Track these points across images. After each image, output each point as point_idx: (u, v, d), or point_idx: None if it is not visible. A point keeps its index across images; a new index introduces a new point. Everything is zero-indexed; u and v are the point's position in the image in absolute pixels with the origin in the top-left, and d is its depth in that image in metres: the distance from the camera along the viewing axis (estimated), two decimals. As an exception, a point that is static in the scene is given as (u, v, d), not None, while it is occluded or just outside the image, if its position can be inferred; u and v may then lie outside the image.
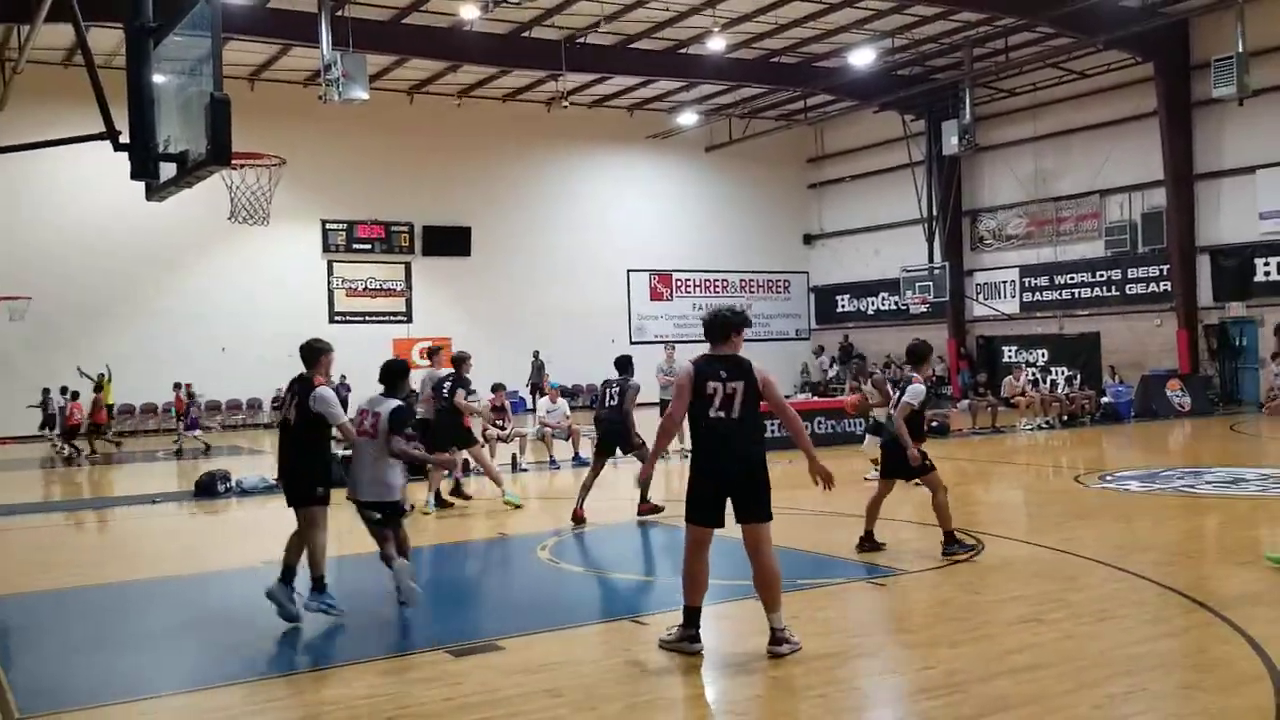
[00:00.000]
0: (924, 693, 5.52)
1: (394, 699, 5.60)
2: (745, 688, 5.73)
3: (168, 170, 7.35)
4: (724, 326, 6.46)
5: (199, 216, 26.09)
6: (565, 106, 29.48)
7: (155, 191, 7.56)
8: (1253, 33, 22.78)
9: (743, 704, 5.46)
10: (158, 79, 7.15)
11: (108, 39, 21.89)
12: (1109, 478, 13.97)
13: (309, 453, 7.52)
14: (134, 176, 7.03)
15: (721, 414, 6.19)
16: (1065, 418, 22.80)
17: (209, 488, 14.56)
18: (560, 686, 5.72)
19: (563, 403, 17.98)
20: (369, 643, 6.96)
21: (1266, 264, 25.94)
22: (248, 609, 8.07)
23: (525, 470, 16.60)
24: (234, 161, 6.88)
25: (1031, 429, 21.80)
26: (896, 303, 33.59)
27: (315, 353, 7.83)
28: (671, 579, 8.63)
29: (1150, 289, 28.36)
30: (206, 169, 6.92)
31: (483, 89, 31.13)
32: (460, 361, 13.05)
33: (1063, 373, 28.17)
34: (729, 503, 6.29)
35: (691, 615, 6.27)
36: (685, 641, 6.25)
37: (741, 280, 36.90)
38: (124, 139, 7.02)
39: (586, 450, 17.42)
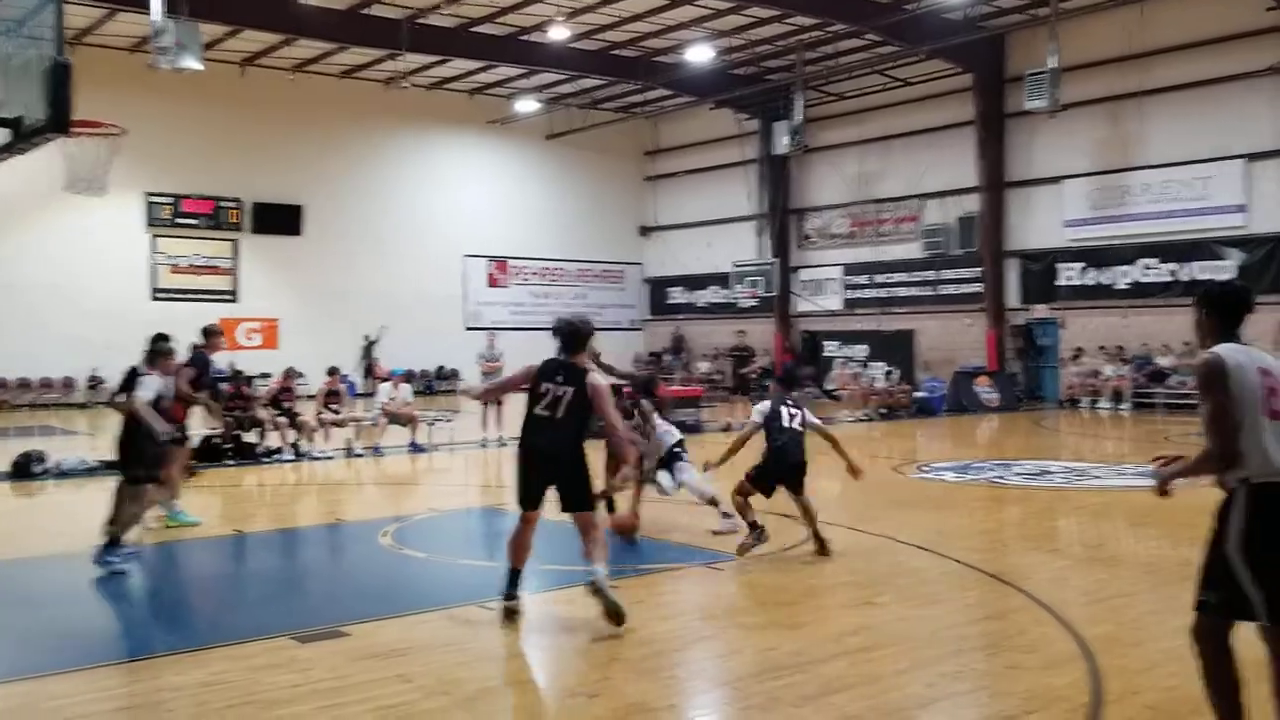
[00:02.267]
0: (767, 673, 5.78)
1: (240, 685, 5.51)
2: (595, 669, 5.88)
3: (1, 136, 7.02)
4: (583, 340, 7.11)
5: (12, 184, 24.56)
6: (405, 87, 28.98)
7: (-14, 157, 7.18)
8: (1065, 50, 24.26)
9: (593, 685, 5.60)
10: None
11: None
12: (926, 468, 14.75)
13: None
14: (-37, 141, 6.68)
15: (546, 413, 6.83)
16: (883, 411, 23.87)
17: (24, 468, 13.79)
18: (410, 672, 5.74)
19: (405, 388, 17.76)
20: (207, 629, 6.81)
21: (1069, 269, 27.71)
22: (77, 594, 7.78)
23: (360, 455, 16.32)
24: (72, 130, 6.59)
25: (852, 420, 22.74)
26: (726, 296, 34.39)
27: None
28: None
29: (963, 290, 29.87)
30: (44, 136, 6.63)
31: (319, 64, 30.24)
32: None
33: (881, 368, 29.42)
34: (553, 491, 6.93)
35: (513, 577, 6.88)
36: (505, 599, 6.84)
37: (578, 269, 37.06)
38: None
39: (424, 436, 17.29)
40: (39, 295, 27.11)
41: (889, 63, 29.10)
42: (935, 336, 30.02)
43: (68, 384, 28.30)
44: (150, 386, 8.57)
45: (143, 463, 8.45)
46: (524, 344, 32.10)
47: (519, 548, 6.94)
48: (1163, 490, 4.57)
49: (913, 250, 30.89)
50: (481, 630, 6.79)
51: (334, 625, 6.60)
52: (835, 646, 6.30)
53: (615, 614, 6.49)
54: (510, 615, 6.76)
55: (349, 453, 16.33)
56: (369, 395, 26.90)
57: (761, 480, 8.71)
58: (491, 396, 8.15)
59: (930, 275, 30.57)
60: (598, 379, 6.94)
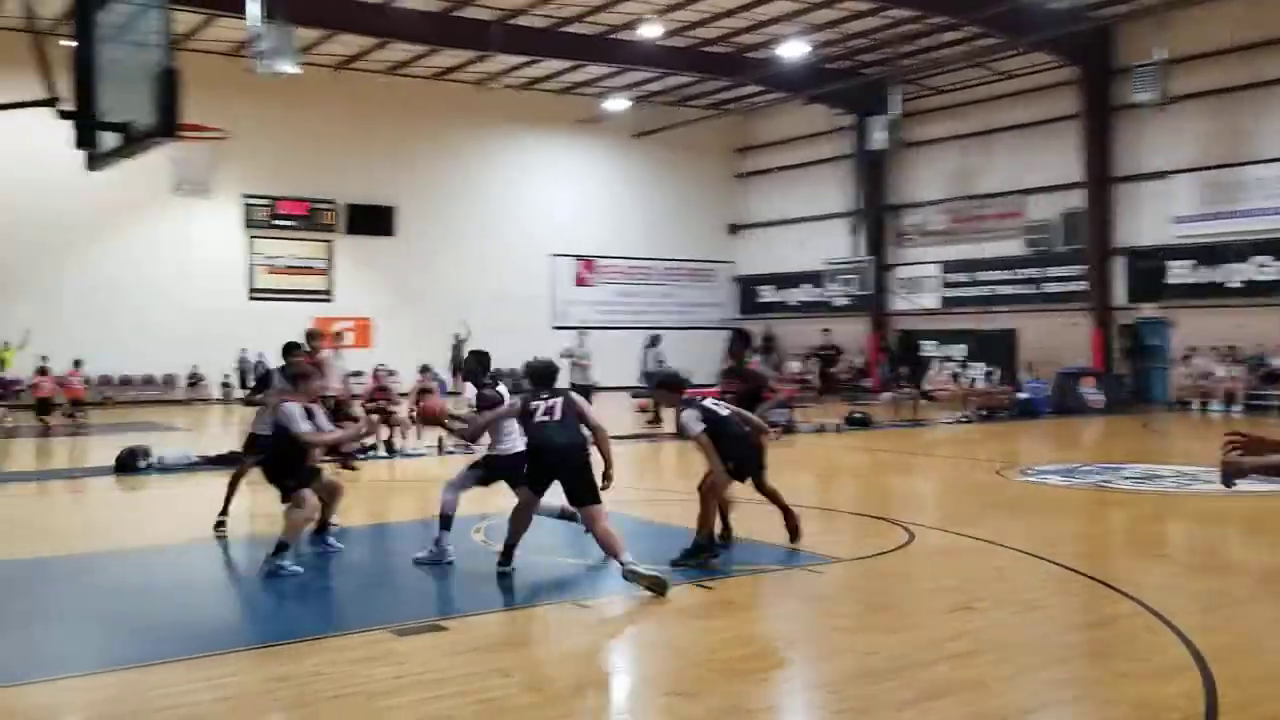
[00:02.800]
0: (865, 677, 5.65)
1: (341, 677, 5.56)
2: (691, 669, 5.81)
3: (110, 140, 7.19)
4: (553, 377, 8.23)
5: (119, 188, 25.42)
6: (494, 87, 29.26)
7: (96, 161, 7.36)
8: (1174, 41, 23.49)
9: (689, 685, 5.53)
10: (101, 46, 6.97)
11: (36, 1, 21.09)
12: (1029, 471, 14.36)
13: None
14: (78, 145, 6.84)
15: (547, 418, 7.77)
16: (983, 412, 23.37)
17: (129, 463, 14.23)
18: (507, 667, 5.74)
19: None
20: (310, 621, 6.91)
21: (1179, 267, 26.80)
22: (181, 585, 7.97)
23: (452, 452, 16.48)
24: (179, 134, 6.72)
25: (951, 422, 22.30)
26: (819, 295, 34.02)
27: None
28: (608, 563, 8.72)
29: (1067, 288, 29.10)
30: (152, 140, 6.77)
31: (411, 67, 30.74)
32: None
33: (981, 368, 28.83)
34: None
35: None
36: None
37: (666, 268, 37.05)
38: (65, 106, 6.85)
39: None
40: (143, 295, 28.07)
41: (989, 55, 28.47)
42: (1038, 336, 29.29)
43: (168, 381, 29.24)
44: (296, 418, 8.26)
45: (291, 474, 8.38)
46: (610, 343, 32.50)
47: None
48: (1235, 476, 3.90)
49: (1014, 247, 30.18)
50: (576, 627, 6.78)
51: (431, 619, 6.65)
52: (935, 651, 6.13)
53: (659, 587, 7.02)
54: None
55: (441, 449, 16.51)
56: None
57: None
58: (480, 434, 8.10)
59: (1033, 273, 29.83)
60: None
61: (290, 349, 10.12)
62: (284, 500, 8.31)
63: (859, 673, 5.72)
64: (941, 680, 5.63)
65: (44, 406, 21.56)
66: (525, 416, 7.89)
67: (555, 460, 7.75)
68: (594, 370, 18.87)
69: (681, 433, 8.38)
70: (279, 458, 8.50)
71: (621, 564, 7.31)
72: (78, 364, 23.96)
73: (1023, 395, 24.78)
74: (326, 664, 5.78)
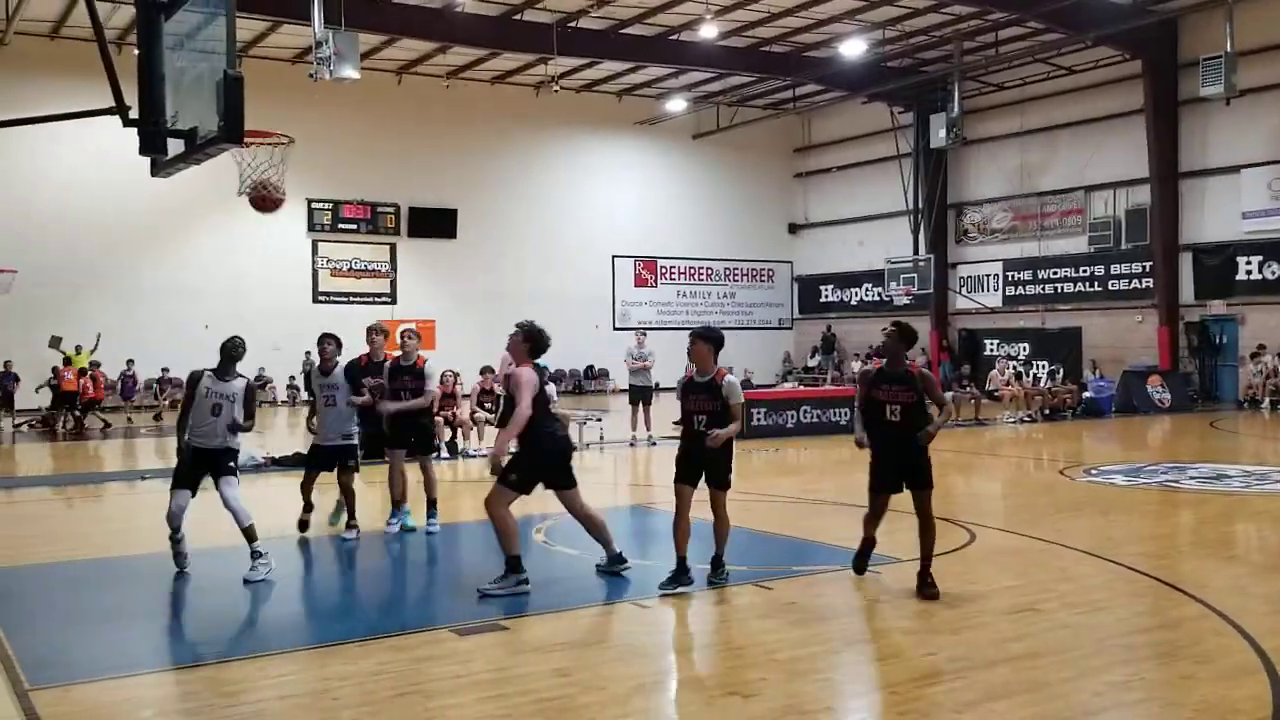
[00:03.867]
0: (926, 679, 5.61)
1: (404, 675, 5.65)
2: (750, 669, 5.80)
3: (175, 146, 7.34)
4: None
5: (184, 194, 26.01)
6: (555, 91, 29.42)
7: (162, 167, 7.52)
8: (1241, 33, 22.97)
9: (749, 685, 5.53)
10: (167, 55, 7.12)
11: (103, 11, 21.63)
12: (1094, 471, 14.13)
13: None
14: (142, 151, 7.00)
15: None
16: (1047, 411, 23.02)
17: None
18: (567, 667, 5.78)
19: (551, 388, 17.96)
20: (373, 620, 7.01)
21: (1248, 263, 26.22)
22: (249, 585, 8.11)
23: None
24: (244, 140, 6.86)
25: (1014, 422, 22.00)
26: (880, 294, 33.75)
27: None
28: (667, 564, 8.73)
29: (1132, 285, 28.61)
30: (218, 146, 6.90)
31: (472, 71, 31.03)
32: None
33: (1044, 366, 28.40)
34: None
35: (514, 562, 7.50)
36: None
37: (725, 268, 36.99)
38: (132, 114, 7.02)
39: (574, 435, 17.51)
40: (211, 298, 28.63)
41: (1052, 50, 28.05)
42: (1102, 334, 28.84)
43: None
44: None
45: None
46: (672, 343, 32.47)
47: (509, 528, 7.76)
48: None
49: (1078, 244, 29.76)
50: (636, 628, 6.82)
51: (492, 619, 6.72)
52: (996, 653, 6.08)
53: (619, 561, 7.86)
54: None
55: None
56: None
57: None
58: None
59: (1097, 270, 29.38)
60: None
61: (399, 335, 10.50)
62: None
63: (919, 674, 5.68)
64: (1003, 682, 5.58)
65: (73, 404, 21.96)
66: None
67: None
68: (654, 372, 18.84)
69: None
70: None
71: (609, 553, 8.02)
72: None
73: (1087, 394, 24.37)
74: (388, 663, 5.87)
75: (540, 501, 12.27)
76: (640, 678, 5.84)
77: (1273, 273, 25.76)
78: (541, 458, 7.79)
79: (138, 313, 27.64)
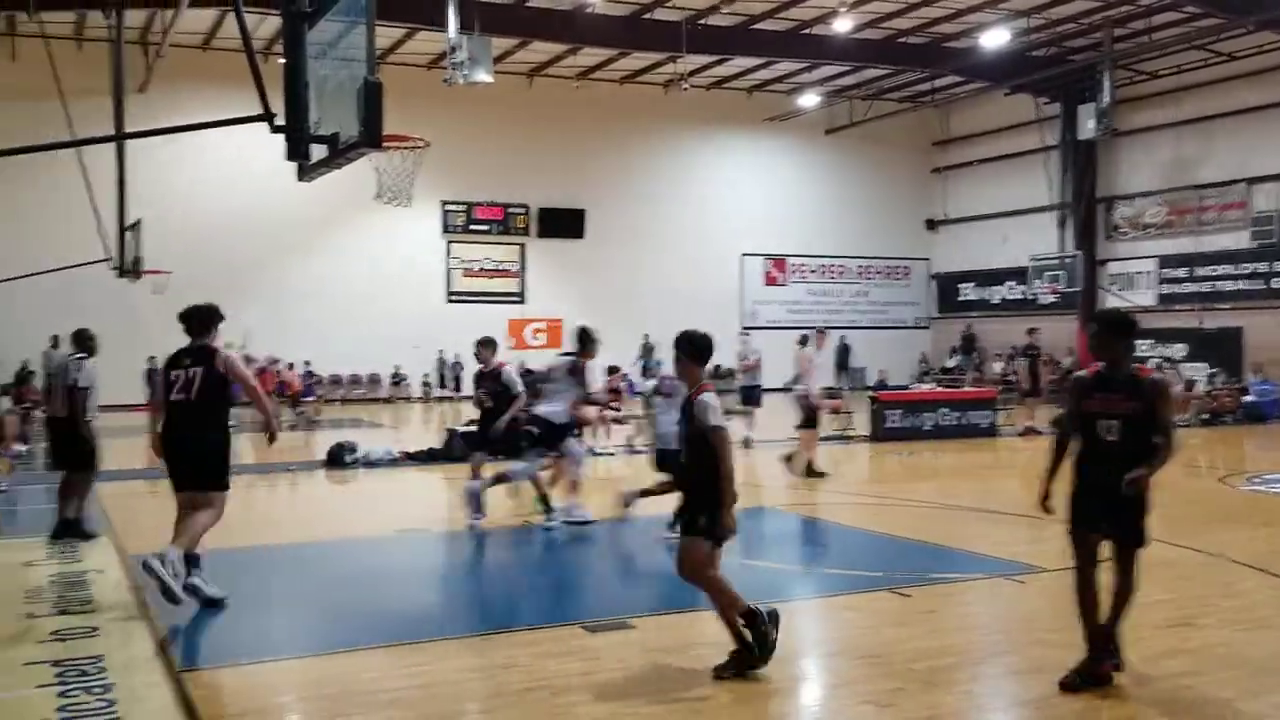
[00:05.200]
0: (1073, 694, 5.33)
1: (532, 670, 5.66)
2: (886, 679, 5.62)
3: (318, 152, 7.53)
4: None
5: (325, 198, 26.81)
6: (685, 89, 29.33)
7: (306, 173, 7.73)
8: None
9: (885, 695, 5.35)
10: (311, 63, 7.31)
11: (251, 23, 22.50)
12: (1256, 480, 13.37)
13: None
14: (289, 157, 7.19)
15: None
16: (1205, 416, 21.90)
17: (337, 458, 14.96)
18: (695, 668, 5.70)
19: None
20: (501, 614, 7.06)
21: None
22: (386, 575, 8.28)
23: (641, 452, 16.61)
24: (383, 144, 6.99)
25: (1182, 425, 20.98)
26: (1024, 292, 32.66)
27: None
28: (795, 567, 8.58)
29: (1299, 283, 27.04)
30: (358, 151, 7.05)
31: (601, 71, 31.21)
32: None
33: (1201, 369, 27.05)
34: None
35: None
36: None
37: (859, 266, 36.34)
38: (278, 121, 7.23)
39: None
40: (350, 298, 29.53)
41: (1210, 36, 26.64)
42: (1266, 335, 27.23)
43: (373, 380, 30.66)
44: None
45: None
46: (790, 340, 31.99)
47: None
48: None
49: (1239, 240, 28.23)
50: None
51: (621, 617, 6.68)
52: (1150, 669, 5.75)
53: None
54: None
55: (630, 449, 16.66)
56: (643, 394, 27.47)
57: None
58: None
59: (1260, 267, 27.81)
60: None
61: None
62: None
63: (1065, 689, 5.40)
64: (1157, 700, 5.29)
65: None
66: None
67: None
68: (761, 372, 18.69)
69: None
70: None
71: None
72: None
73: (1249, 398, 23.10)
74: (517, 657, 5.89)
75: (667, 501, 12.23)
76: (773, 683, 5.71)
77: None
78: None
79: (280, 313, 28.65)
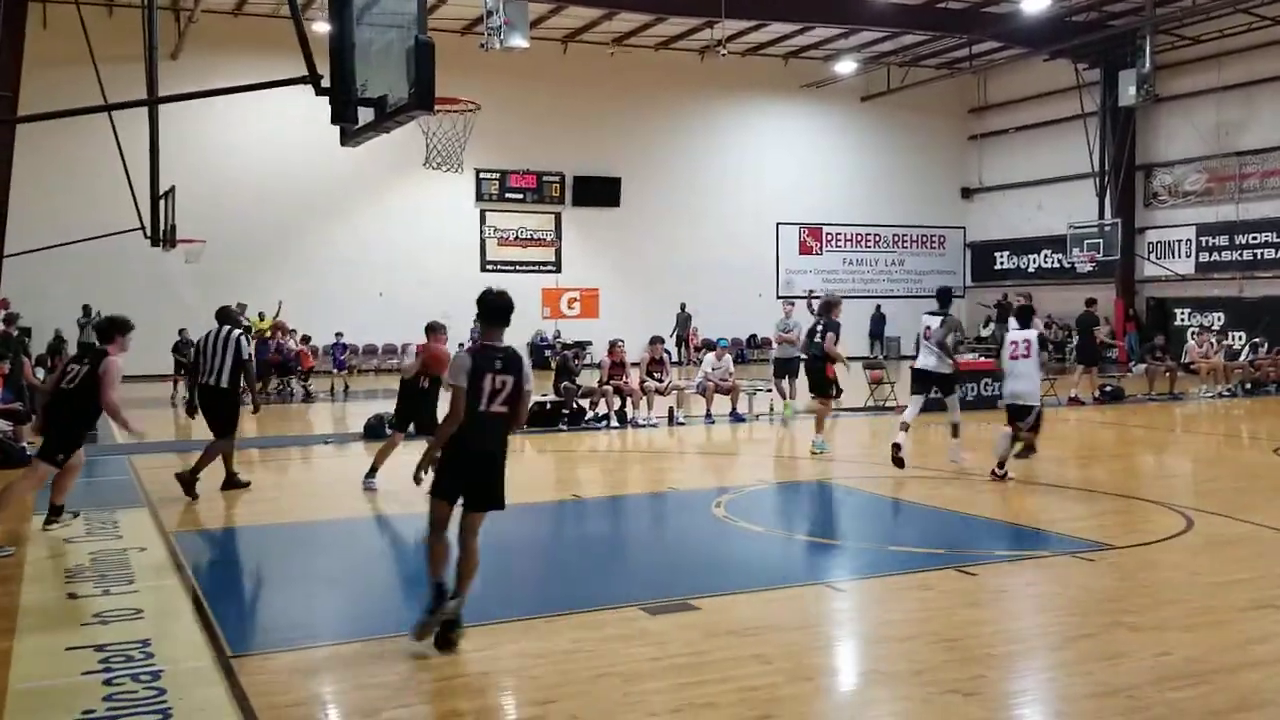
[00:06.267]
0: (1165, 681, 5.10)
1: (599, 655, 5.45)
2: (967, 665, 5.39)
3: (365, 116, 7.30)
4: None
5: (359, 167, 26.66)
6: (723, 54, 28.83)
7: (351, 136, 7.51)
8: None
9: (968, 683, 5.12)
10: (357, 24, 7.09)
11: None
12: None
13: None
14: (334, 120, 6.98)
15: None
16: (1248, 386, 21.49)
17: (376, 430, 14.77)
18: (767, 653, 5.48)
19: (728, 359, 17.71)
20: (559, 595, 6.86)
21: None
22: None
23: (682, 424, 16.41)
24: (435, 106, 6.76)
25: (1212, 396, 20.60)
26: (1061, 260, 32.15)
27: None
28: (856, 544, 8.36)
29: (1343, 251, 26.47)
30: (408, 113, 6.82)
31: (636, 37, 30.77)
32: (831, 306, 13.76)
33: (1240, 338, 26.55)
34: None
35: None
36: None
37: (894, 235, 35.88)
38: (323, 84, 7.01)
39: (744, 406, 17.22)
40: (382, 268, 29.34)
41: (1255, 0, 25.94)
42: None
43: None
44: None
45: None
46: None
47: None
48: None
49: (1280, 208, 27.65)
50: (834, 612, 6.49)
51: (682, 598, 6.46)
52: (1240, 655, 5.50)
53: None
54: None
55: (672, 420, 16.46)
56: (680, 364, 27.30)
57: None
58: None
59: (1303, 235, 27.25)
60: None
61: None
62: None
63: (1156, 676, 5.17)
64: (1255, 689, 5.04)
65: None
66: None
67: None
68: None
69: None
70: None
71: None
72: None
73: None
74: (581, 641, 5.68)
75: (720, 473, 12.02)
76: (848, 668, 5.52)
77: None
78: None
79: (316, 281, 28.54)
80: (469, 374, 5.55)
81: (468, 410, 5.52)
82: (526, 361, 5.77)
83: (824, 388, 13.67)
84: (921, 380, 11.69)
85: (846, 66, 32.16)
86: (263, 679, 5.17)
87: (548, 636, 5.79)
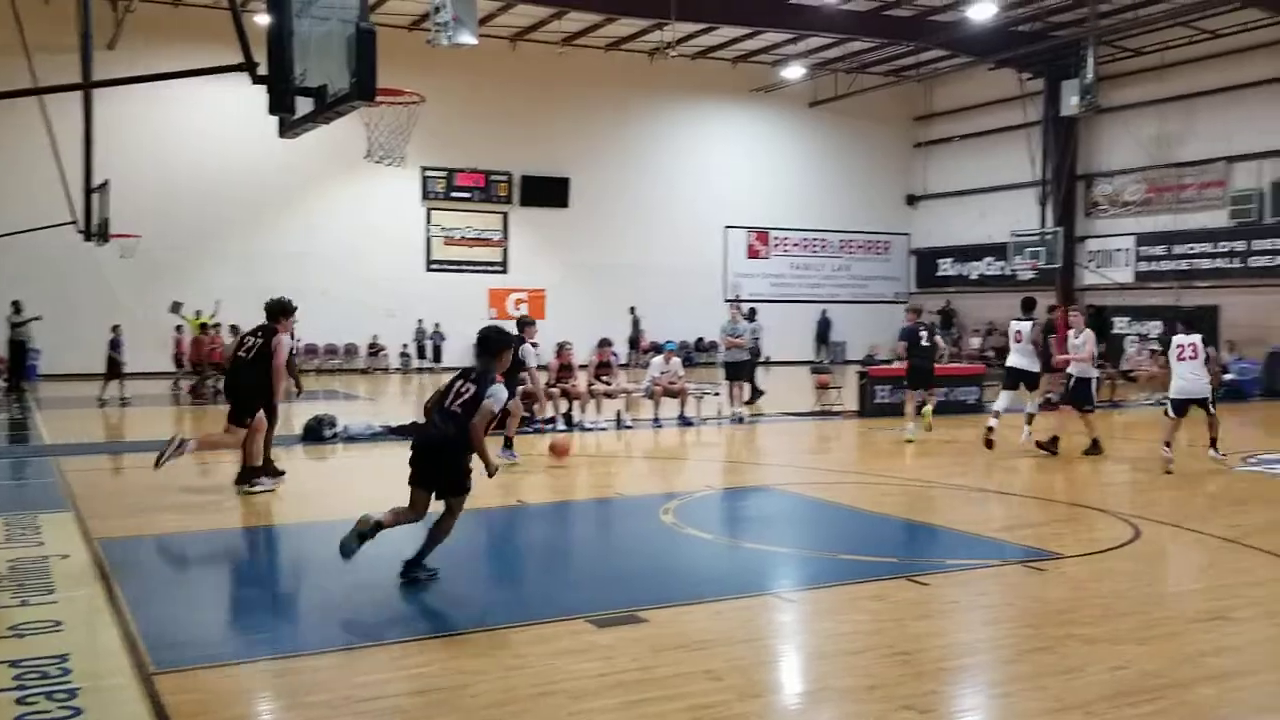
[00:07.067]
0: (1122, 696, 5.00)
1: (544, 671, 5.24)
2: (921, 679, 5.27)
3: (304, 106, 7.04)
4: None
5: (301, 161, 26.19)
6: (672, 56, 28.77)
7: (290, 128, 7.25)
8: None
9: (921, 699, 4.99)
10: (296, 8, 6.83)
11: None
12: (1252, 460, 13.16)
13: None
14: (272, 110, 6.70)
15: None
16: (1186, 394, 21.80)
17: (316, 432, 14.43)
18: (718, 668, 5.30)
19: (676, 362, 17.57)
20: (501, 606, 6.63)
21: None
22: (374, 564, 7.82)
23: (629, 427, 16.23)
24: (376, 98, 6.51)
25: (1151, 403, 20.84)
26: (1003, 268, 32.48)
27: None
28: (806, 552, 8.24)
29: (1276, 261, 26.97)
30: (349, 104, 6.58)
31: (586, 37, 30.58)
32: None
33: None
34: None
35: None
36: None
37: (841, 240, 36.05)
38: (262, 72, 6.73)
39: (692, 409, 17.09)
40: (325, 265, 28.80)
41: (1195, 13, 26.40)
42: (1242, 313, 27.22)
43: (350, 351, 30.03)
44: None
45: None
46: (784, 317, 31.75)
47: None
48: None
49: (1218, 218, 28.19)
50: (783, 624, 6.34)
51: (630, 609, 6.27)
52: (1196, 669, 5.43)
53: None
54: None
55: (619, 424, 16.28)
56: (627, 366, 27.16)
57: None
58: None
59: (1238, 246, 27.78)
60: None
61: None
62: None
63: (1113, 691, 5.07)
64: (1213, 706, 4.97)
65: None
66: None
67: None
68: (749, 349, 18.27)
69: None
70: None
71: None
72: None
73: (1229, 376, 23.01)
74: (525, 656, 5.47)
75: (663, 479, 11.86)
76: (799, 683, 5.36)
77: None
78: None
79: (257, 278, 27.90)
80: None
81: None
82: (498, 386, 6.73)
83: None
84: (1014, 376, 13.71)
85: (794, 72, 32.23)
86: (188, 698, 4.89)
87: (490, 651, 5.57)
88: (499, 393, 6.67)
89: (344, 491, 11.27)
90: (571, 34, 30.25)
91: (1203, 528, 8.87)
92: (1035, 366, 13.60)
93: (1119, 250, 30.86)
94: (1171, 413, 12.37)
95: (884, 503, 10.19)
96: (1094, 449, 13.35)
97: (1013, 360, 13.72)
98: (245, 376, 10.07)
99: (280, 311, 10.40)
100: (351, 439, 14.42)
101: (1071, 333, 13.76)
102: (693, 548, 8.36)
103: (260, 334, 10.22)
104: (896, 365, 17.43)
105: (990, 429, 13.13)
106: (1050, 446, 13.20)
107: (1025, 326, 13.54)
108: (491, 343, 6.89)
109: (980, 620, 6.30)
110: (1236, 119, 27.53)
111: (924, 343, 14.97)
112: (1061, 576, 7.30)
